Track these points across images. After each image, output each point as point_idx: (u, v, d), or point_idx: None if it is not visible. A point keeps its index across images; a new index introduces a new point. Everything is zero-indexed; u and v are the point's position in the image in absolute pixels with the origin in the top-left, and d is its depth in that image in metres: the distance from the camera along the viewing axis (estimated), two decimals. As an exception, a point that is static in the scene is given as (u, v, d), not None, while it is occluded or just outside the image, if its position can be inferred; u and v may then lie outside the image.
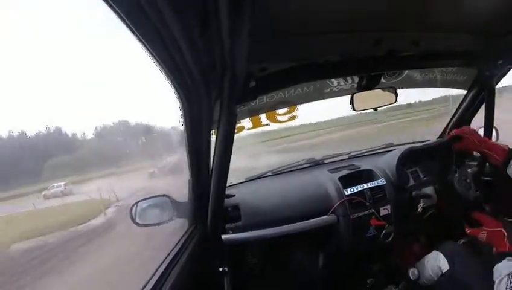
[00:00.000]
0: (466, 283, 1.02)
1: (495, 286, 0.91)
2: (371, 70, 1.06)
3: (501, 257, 0.97)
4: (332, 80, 1.34)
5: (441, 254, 1.16)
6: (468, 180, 1.37)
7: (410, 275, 1.29)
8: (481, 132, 1.49)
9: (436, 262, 1.16)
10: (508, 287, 0.87)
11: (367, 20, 0.80)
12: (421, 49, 0.95)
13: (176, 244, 0.94)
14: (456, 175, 1.40)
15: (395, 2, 0.76)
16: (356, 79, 1.25)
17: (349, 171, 1.45)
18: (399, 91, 1.26)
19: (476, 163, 1.46)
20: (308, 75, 0.96)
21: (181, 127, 0.83)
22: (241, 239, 1.21)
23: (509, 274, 0.88)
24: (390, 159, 1.49)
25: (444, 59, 1.10)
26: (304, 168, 1.77)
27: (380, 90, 1.22)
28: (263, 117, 1.31)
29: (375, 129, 8.78)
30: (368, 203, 1.33)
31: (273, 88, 1.00)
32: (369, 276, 1.44)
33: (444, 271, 1.12)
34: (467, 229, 1.17)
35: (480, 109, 1.54)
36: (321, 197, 1.36)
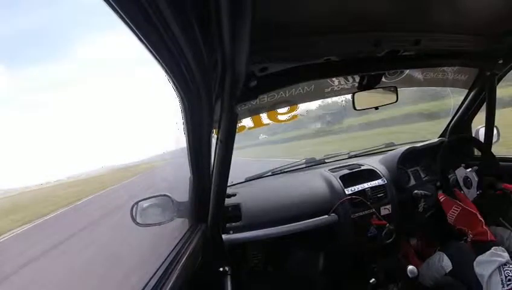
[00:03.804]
0: (469, 282, 1.02)
1: (484, 282, 0.85)
2: (372, 70, 1.06)
3: (481, 246, 0.91)
4: (333, 79, 1.34)
5: (444, 255, 1.16)
6: (469, 180, 1.37)
7: (409, 273, 1.29)
8: (482, 131, 1.50)
9: (440, 262, 1.16)
10: (504, 280, 0.81)
11: (367, 21, 0.80)
12: (422, 49, 0.94)
13: (177, 244, 0.94)
14: (457, 175, 1.40)
15: (395, 2, 0.76)
16: (357, 78, 1.24)
17: (350, 171, 1.45)
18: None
19: (477, 162, 1.46)
20: (308, 74, 0.96)
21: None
22: (242, 239, 1.21)
23: (499, 266, 0.83)
24: (391, 159, 1.49)
25: (444, 59, 1.10)
26: (304, 167, 1.77)
27: (381, 90, 1.22)
28: (264, 116, 1.30)
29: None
30: (368, 203, 1.33)
31: (274, 87, 0.99)
32: (370, 276, 1.44)
33: (447, 271, 1.12)
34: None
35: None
36: (322, 197, 1.36)
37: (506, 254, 0.86)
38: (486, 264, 0.86)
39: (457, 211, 1.02)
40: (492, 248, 0.88)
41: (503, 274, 0.81)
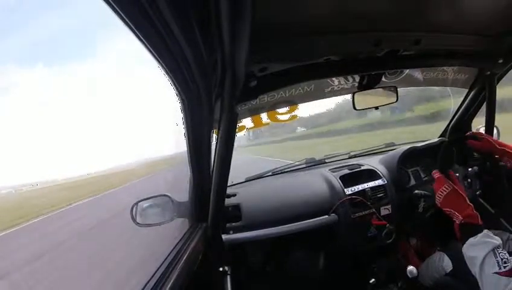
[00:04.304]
0: (470, 282, 1.01)
1: (478, 265, 0.81)
2: (372, 69, 1.06)
3: (472, 229, 0.88)
4: (333, 79, 1.34)
5: (445, 255, 1.16)
6: (469, 180, 1.37)
7: (408, 274, 1.29)
8: (482, 131, 1.50)
9: (440, 262, 1.16)
10: (500, 262, 0.78)
11: (367, 21, 0.80)
12: (422, 48, 0.95)
13: (177, 244, 0.94)
14: (457, 175, 1.39)
15: (395, 2, 0.76)
16: (357, 78, 1.25)
17: (350, 171, 1.45)
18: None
19: (477, 163, 1.46)
20: (308, 74, 0.96)
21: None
22: (242, 239, 1.21)
23: (494, 249, 0.80)
24: (391, 159, 1.49)
25: (444, 58, 1.10)
26: (304, 167, 1.77)
27: (380, 90, 1.22)
28: (264, 116, 1.31)
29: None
30: (368, 203, 1.33)
31: (274, 87, 1.00)
32: (370, 276, 1.44)
33: (447, 271, 1.12)
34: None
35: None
36: (322, 197, 1.36)
37: (498, 237, 0.85)
38: (479, 246, 0.84)
39: (446, 190, 0.99)
40: (485, 230, 0.86)
41: (498, 256, 0.79)
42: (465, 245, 0.87)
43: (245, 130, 1.31)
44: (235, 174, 1.20)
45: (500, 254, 0.80)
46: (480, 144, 1.27)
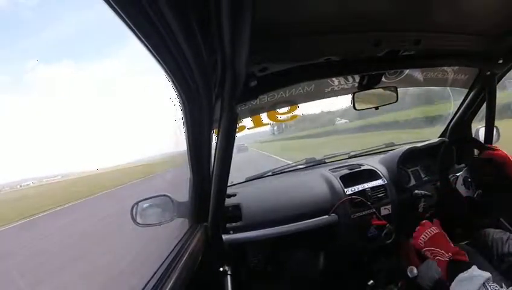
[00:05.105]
0: None
1: None
2: (372, 70, 1.06)
3: (463, 265, 0.88)
4: (333, 79, 1.34)
5: None
6: (469, 180, 1.37)
7: (409, 273, 1.29)
8: (482, 131, 1.50)
9: None
10: None
11: (367, 21, 0.80)
12: (422, 48, 0.94)
13: (177, 244, 0.94)
14: (457, 175, 1.40)
15: (395, 2, 0.76)
16: (357, 78, 1.24)
17: (350, 171, 1.45)
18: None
19: (477, 163, 1.46)
20: (308, 74, 0.96)
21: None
22: (242, 239, 1.21)
23: (484, 282, 0.80)
24: (391, 159, 1.49)
25: (444, 59, 1.10)
26: (304, 167, 1.77)
27: (381, 90, 1.22)
28: (264, 116, 1.31)
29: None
30: (368, 203, 1.33)
31: (274, 87, 1.00)
32: (370, 276, 1.44)
33: None
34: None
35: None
36: (322, 197, 1.36)
37: (488, 272, 0.85)
38: (470, 280, 0.83)
39: (432, 232, 1.00)
40: (473, 266, 0.86)
41: (489, 289, 0.79)
42: (453, 282, 0.87)
43: (246, 128, 1.31)
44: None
45: (491, 287, 0.80)
46: (496, 153, 1.23)
